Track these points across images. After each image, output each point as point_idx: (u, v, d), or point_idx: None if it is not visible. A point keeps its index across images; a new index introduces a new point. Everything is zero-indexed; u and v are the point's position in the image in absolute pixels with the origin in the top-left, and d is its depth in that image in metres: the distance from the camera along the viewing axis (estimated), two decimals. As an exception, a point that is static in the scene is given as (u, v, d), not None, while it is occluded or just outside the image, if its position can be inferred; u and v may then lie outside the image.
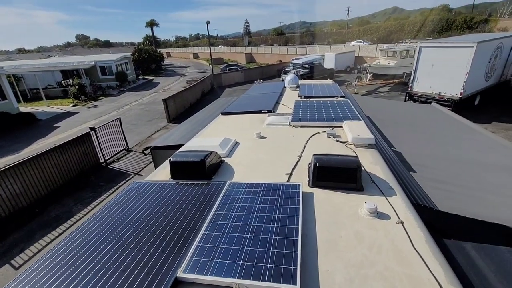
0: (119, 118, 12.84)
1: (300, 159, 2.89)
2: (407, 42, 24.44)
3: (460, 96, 13.16)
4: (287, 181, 2.45)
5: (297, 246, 1.57)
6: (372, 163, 2.69)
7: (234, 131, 4.04)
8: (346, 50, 34.31)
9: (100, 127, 11.65)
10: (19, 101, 23.89)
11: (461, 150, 3.88)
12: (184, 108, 19.99)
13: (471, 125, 5.17)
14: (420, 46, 14.34)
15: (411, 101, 15.36)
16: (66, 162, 10.07)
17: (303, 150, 3.10)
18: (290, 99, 5.88)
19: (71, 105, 24.03)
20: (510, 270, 1.59)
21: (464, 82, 12.87)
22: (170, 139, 4.54)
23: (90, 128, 11.12)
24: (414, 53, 22.83)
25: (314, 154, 2.46)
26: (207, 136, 4.02)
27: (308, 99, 5.57)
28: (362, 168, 2.55)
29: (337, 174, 2.23)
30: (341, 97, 5.59)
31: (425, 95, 14.52)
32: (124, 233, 1.83)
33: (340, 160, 2.31)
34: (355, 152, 2.95)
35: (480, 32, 39.04)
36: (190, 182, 2.46)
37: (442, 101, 13.81)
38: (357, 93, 21.07)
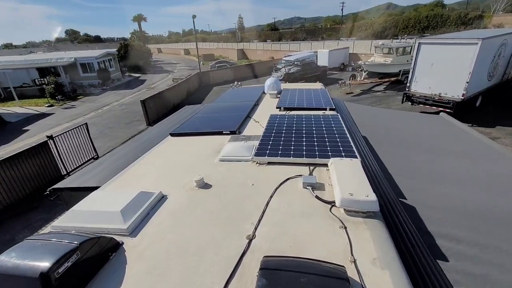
0: (86, 123, 11.43)
1: (250, 244, 1.66)
2: (403, 38, 23.33)
3: (462, 97, 12.09)
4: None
5: None
6: (377, 264, 1.47)
7: (173, 168, 2.80)
8: (340, 47, 33.09)
9: (61, 134, 10.23)
10: (-11, 101, 22.19)
11: (497, 196, 2.69)
12: (167, 109, 18.55)
13: (495, 145, 4.01)
14: (419, 43, 13.18)
15: (409, 103, 14.29)
16: (17, 177, 8.67)
17: (260, 219, 1.87)
18: (266, 111, 4.64)
19: (47, 105, 22.35)
20: None
21: (467, 82, 11.79)
22: (91, 175, 3.26)
23: (47, 136, 9.70)
24: (411, 50, 21.82)
25: (262, 268, 1.23)
26: (132, 175, 2.76)
27: (287, 113, 4.34)
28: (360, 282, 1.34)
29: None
30: (331, 109, 4.37)
31: (424, 96, 13.42)
32: None
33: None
34: (344, 228, 1.73)
35: (476, 28, 38.26)
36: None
37: (443, 103, 12.77)
38: (351, 93, 19.96)
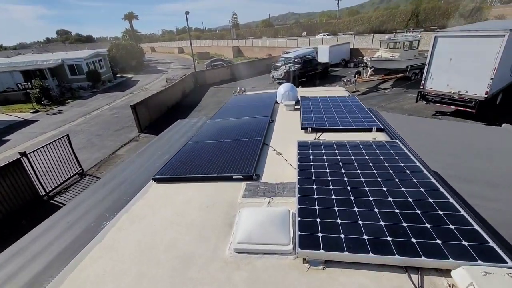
0: (67, 135, 10.09)
1: None
2: (408, 32, 22.14)
3: (486, 95, 10.95)
4: None
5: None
6: None
7: (148, 271, 1.57)
8: (340, 42, 31.82)
9: (37, 149, 8.91)
10: (-31, 109, 20.64)
11: None
12: (160, 113, 17.25)
13: None
14: (435, 37, 11.99)
15: (424, 102, 13.13)
16: (-17, 203, 7.38)
17: None
18: (287, 132, 3.43)
19: (31, 111, 20.84)
20: None
21: (491, 79, 10.65)
22: (27, 257, 2.01)
23: (20, 153, 8.38)
24: (418, 44, 20.68)
25: None
26: (81, 280, 1.53)
27: (318, 136, 3.12)
28: None
29: None
30: (378, 129, 3.16)
31: (442, 94, 12.26)
32: None
33: None
34: None
35: (477, 20, 37.15)
36: None
37: (463, 102, 11.65)
38: (357, 91, 18.75)
